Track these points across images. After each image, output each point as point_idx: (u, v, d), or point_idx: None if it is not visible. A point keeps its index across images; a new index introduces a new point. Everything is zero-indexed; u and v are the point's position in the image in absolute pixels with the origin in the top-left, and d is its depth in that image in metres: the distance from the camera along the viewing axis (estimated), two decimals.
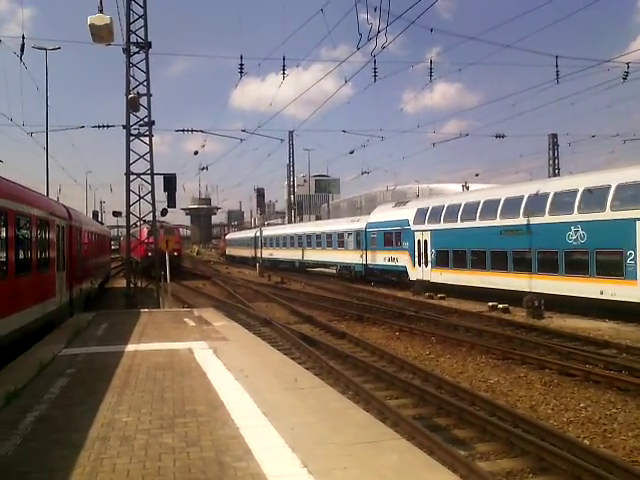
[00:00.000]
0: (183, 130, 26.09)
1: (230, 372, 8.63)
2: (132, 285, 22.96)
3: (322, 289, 34.06)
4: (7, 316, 11.13)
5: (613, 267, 19.44)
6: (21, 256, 12.51)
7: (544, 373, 12.51)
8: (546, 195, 22.59)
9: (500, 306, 22.71)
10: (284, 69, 22.53)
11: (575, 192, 21.20)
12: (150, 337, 12.28)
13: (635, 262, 18.61)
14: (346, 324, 19.94)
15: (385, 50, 11.78)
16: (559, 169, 43.65)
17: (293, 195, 75.36)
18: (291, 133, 40.67)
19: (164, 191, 22.22)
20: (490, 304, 23.25)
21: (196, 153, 34.10)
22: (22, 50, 21.74)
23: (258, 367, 9.04)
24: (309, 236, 48.40)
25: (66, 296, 17.75)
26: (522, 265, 23.42)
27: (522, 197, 23.87)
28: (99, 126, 26.29)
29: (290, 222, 72.14)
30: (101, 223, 54.76)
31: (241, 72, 22.43)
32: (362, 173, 50.59)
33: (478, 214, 26.28)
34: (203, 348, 10.75)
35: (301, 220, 78.39)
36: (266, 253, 55.50)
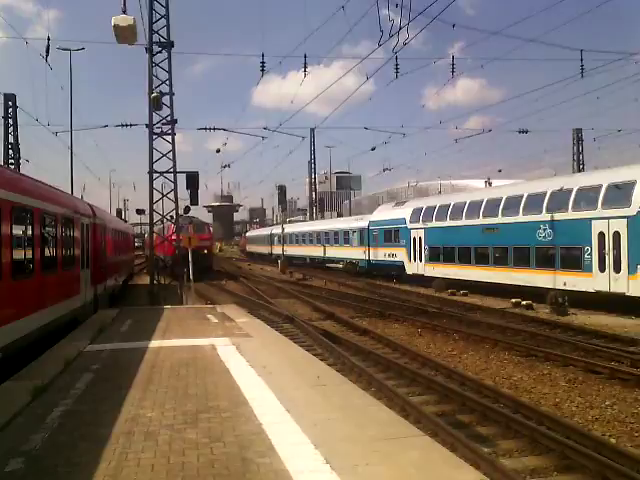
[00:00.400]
0: (205, 128, 26.28)
1: (253, 368, 8.68)
2: (155, 282, 23.18)
3: (344, 286, 34.06)
4: (34, 313, 11.31)
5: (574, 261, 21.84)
6: (47, 254, 12.70)
7: (568, 370, 12.38)
8: (520, 197, 25.10)
9: (523, 303, 22.53)
10: (305, 67, 22.57)
11: (544, 194, 23.61)
12: (173, 333, 12.39)
13: (591, 257, 20.94)
14: (368, 321, 19.91)
15: (407, 46, 11.73)
16: (584, 164, 43.08)
17: (315, 192, 75.33)
18: (312, 130, 40.64)
19: (187, 189, 22.44)
20: (513, 300, 23.08)
21: (218, 151, 34.45)
22: (47, 51, 22.01)
23: (281, 364, 9.07)
24: (318, 233, 51.08)
25: (90, 293, 17.97)
26: (501, 260, 25.94)
27: (501, 199, 26.38)
28: (122, 125, 26.62)
29: (311, 219, 72.16)
30: (124, 221, 55.30)
31: (263, 70, 22.47)
32: (384, 170, 50.26)
33: (464, 214, 28.79)
34: (226, 344, 10.82)
35: (322, 217, 78.32)
36: (280, 249, 56.19)
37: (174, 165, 22.08)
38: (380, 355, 13.73)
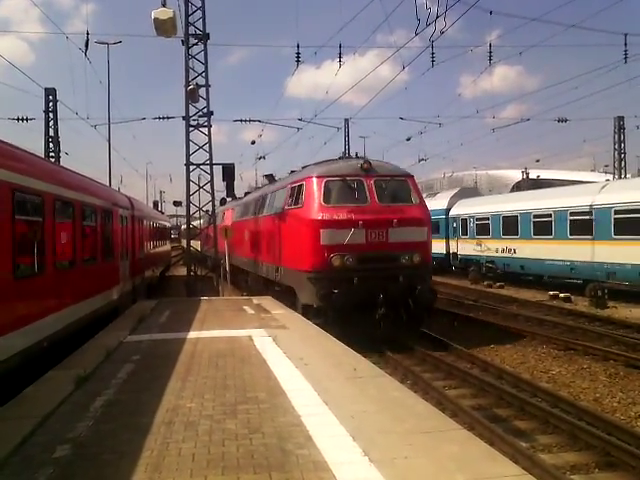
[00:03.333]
0: (241, 120, 26.42)
1: (290, 360, 8.73)
2: (192, 273, 23.45)
3: None
4: (76, 303, 11.57)
5: None
6: (88, 246, 12.96)
7: (609, 365, 12.17)
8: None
9: (561, 295, 22.17)
10: (340, 57, 22.44)
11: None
12: (211, 324, 12.53)
13: None
14: None
15: (443, 34, 11.55)
16: (625, 153, 41.91)
17: None
18: (347, 121, 40.43)
19: (223, 181, 22.60)
20: (551, 293, 22.74)
21: (253, 143, 34.71)
22: (86, 46, 22.29)
23: (317, 355, 9.10)
24: None
25: (129, 284, 18.30)
26: None
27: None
28: (159, 118, 26.90)
29: None
30: (161, 212, 56.03)
31: (298, 61, 22.45)
32: (419, 160, 49.52)
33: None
34: (262, 336, 10.91)
35: None
36: None
37: (210, 157, 22.25)
38: (415, 348, 13.68)
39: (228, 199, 28.74)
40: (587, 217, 21.83)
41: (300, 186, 15.33)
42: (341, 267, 13.68)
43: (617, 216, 20.53)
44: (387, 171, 15.40)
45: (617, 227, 20.48)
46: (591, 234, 21.67)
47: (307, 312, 13.89)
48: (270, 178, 22.82)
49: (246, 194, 29.86)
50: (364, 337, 12.51)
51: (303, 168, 17.90)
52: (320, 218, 14.07)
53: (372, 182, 14.64)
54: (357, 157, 16.76)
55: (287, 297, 15.97)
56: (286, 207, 16.07)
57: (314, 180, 14.78)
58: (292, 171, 20.11)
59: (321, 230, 13.91)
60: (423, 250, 14.59)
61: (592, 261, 21.57)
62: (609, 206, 20.85)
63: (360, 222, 13.81)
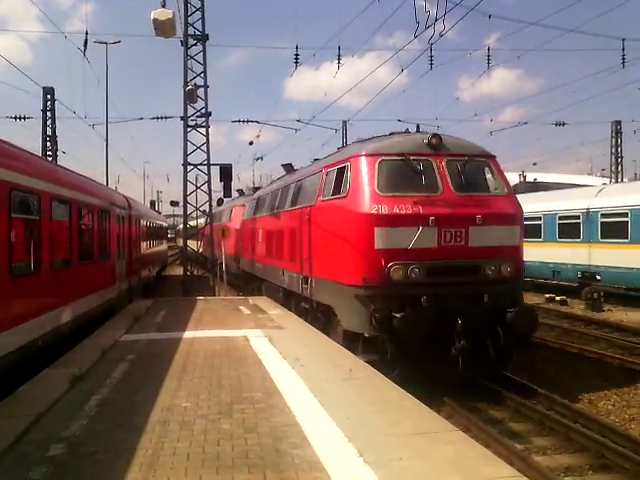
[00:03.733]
0: (239, 121, 26.33)
1: (285, 360, 8.73)
2: (188, 273, 23.44)
3: None
4: (71, 302, 11.55)
5: None
6: (84, 245, 12.94)
7: (604, 368, 12.18)
8: None
9: (557, 298, 22.20)
10: (339, 59, 22.42)
11: None
12: (207, 324, 12.52)
13: None
14: None
15: (442, 37, 11.55)
16: (622, 157, 42.03)
17: None
18: (345, 123, 40.43)
19: (220, 181, 22.58)
20: (547, 296, 22.78)
21: (251, 143, 34.59)
22: (85, 45, 22.36)
23: (313, 356, 9.10)
24: None
25: (125, 283, 18.27)
26: None
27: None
28: (157, 118, 26.79)
29: None
30: (158, 212, 55.98)
31: (296, 62, 22.44)
32: None
33: None
34: (258, 336, 10.90)
35: None
36: None
37: (208, 157, 22.27)
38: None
39: (225, 199, 28.44)
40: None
41: (342, 169, 11.55)
42: (404, 281, 9.94)
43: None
44: (463, 149, 11.36)
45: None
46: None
47: (352, 342, 10.38)
48: (288, 168, 19.42)
49: (255, 190, 27.21)
50: (433, 378, 9.47)
51: (339, 149, 14.22)
52: (375, 212, 10.21)
53: (444, 163, 10.78)
54: (418, 131, 12.44)
55: (319, 318, 12.63)
56: (321, 198, 12.43)
57: (364, 160, 10.86)
58: (315, 159, 16.42)
59: (376, 229, 10.14)
60: (515, 258, 10.78)
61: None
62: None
63: (431, 218, 10.07)
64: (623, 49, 23.88)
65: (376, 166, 10.65)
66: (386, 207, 10.21)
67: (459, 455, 4.99)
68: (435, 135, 11.08)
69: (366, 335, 10.06)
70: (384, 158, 10.77)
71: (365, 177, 10.65)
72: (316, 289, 12.45)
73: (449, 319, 9.79)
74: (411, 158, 10.73)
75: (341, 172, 11.55)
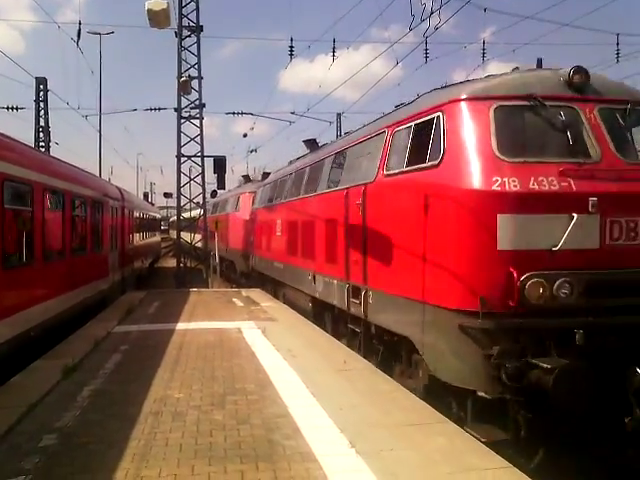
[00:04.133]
0: (233, 113, 26.22)
1: (278, 352, 8.75)
2: (181, 265, 23.40)
3: None
4: (64, 293, 11.53)
5: None
6: (77, 236, 12.90)
7: None
8: None
9: None
10: (334, 51, 22.32)
11: None
12: (200, 316, 12.51)
13: None
14: None
15: (437, 30, 11.51)
16: None
17: None
18: (339, 115, 40.34)
19: (214, 173, 22.52)
20: None
21: (245, 136, 34.58)
22: (79, 36, 22.14)
23: (306, 348, 9.12)
24: None
25: (118, 275, 18.25)
26: None
27: None
28: (151, 109, 26.65)
29: None
30: (151, 204, 55.82)
31: (291, 54, 22.34)
32: None
33: None
34: (251, 328, 10.91)
35: None
36: None
37: (202, 149, 22.19)
38: None
39: (219, 191, 28.22)
40: None
41: (427, 124, 7.30)
42: (547, 305, 5.96)
43: None
44: (621, 92, 7.07)
45: None
46: None
47: (445, 398, 6.72)
48: (312, 145, 15.01)
49: (265, 176, 22.66)
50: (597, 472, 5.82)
51: (419, 96, 8.65)
52: (497, 189, 6.12)
53: (595, 113, 6.67)
54: (540, 66, 7.45)
55: (378, 348, 8.74)
56: (383, 172, 8.25)
57: (469, 106, 6.73)
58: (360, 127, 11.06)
59: (499, 217, 6.07)
60: None
61: None
62: None
63: (591, 200, 6.06)
64: (617, 44, 23.92)
65: (491, 115, 6.53)
66: (516, 181, 6.15)
67: (451, 446, 5.02)
68: (579, 69, 6.80)
69: (486, 395, 6.02)
70: (502, 103, 6.62)
71: (475, 133, 6.54)
72: (376, 308, 8.40)
73: (620, 369, 5.96)
74: (548, 104, 6.59)
75: (424, 129, 7.34)
